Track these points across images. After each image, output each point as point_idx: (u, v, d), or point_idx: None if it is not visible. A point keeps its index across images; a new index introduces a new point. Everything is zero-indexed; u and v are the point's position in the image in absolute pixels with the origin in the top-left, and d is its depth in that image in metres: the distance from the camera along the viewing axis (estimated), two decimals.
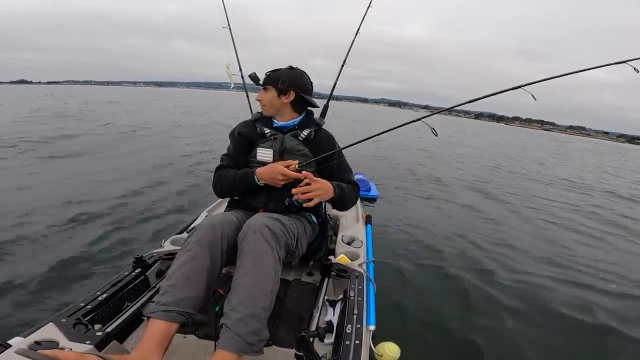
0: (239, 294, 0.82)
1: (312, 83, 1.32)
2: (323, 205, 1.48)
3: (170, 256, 1.07)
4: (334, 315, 1.07)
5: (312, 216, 1.35)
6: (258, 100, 1.30)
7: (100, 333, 0.85)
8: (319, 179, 1.18)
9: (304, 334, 0.84)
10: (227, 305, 0.81)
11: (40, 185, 4.43)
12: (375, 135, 1.23)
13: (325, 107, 2.27)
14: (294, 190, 1.10)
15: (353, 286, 1.11)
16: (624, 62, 1.11)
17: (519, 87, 1.11)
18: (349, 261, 1.28)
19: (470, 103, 1.23)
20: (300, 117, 1.32)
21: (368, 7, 2.40)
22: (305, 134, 1.28)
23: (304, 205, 1.13)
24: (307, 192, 1.10)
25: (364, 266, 1.26)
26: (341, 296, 1.13)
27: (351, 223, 1.76)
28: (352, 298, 1.05)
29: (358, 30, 2.41)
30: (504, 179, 5.35)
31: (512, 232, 3.00)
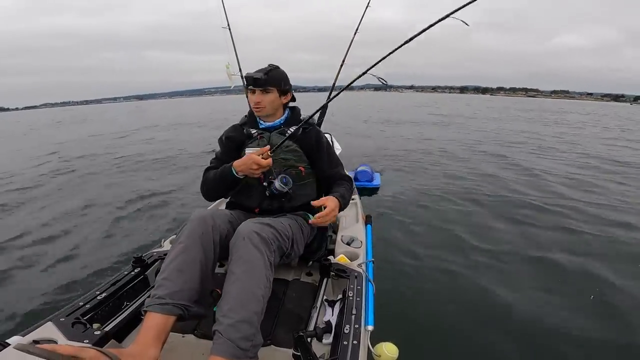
0: (229, 301, 0.81)
1: None
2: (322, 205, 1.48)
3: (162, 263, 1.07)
4: (332, 315, 1.07)
5: (310, 215, 1.35)
6: (257, 102, 1.25)
7: (98, 332, 0.85)
8: (328, 198, 1.15)
9: (301, 334, 0.84)
10: (219, 312, 0.81)
11: (39, 185, 4.46)
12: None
13: (325, 107, 2.27)
14: (313, 222, 1.08)
15: (352, 286, 1.11)
16: (450, 15, 1.12)
17: (450, 15, 1.13)
18: (348, 261, 1.28)
19: (408, 43, 1.19)
20: (285, 115, 1.33)
21: (367, 7, 2.40)
22: (292, 130, 1.27)
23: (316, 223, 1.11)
24: (325, 217, 1.08)
25: (363, 266, 1.26)
26: (340, 296, 1.13)
27: (351, 223, 1.76)
28: (351, 298, 1.05)
29: (357, 29, 2.41)
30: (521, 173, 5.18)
31: (519, 234, 2.98)
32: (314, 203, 1.12)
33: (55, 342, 0.79)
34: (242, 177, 1.17)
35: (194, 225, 0.96)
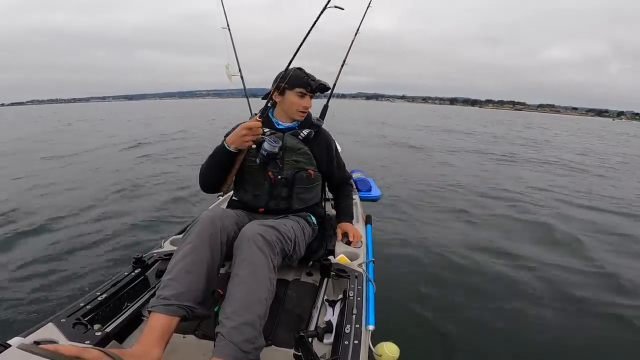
0: (233, 303, 0.81)
1: None
2: (323, 205, 1.49)
3: (170, 256, 1.07)
4: (333, 315, 1.07)
5: (312, 216, 1.36)
6: (308, 107, 1.28)
7: (99, 333, 0.85)
8: (345, 225, 1.45)
9: (302, 334, 0.84)
10: (222, 314, 0.80)
11: (39, 185, 4.44)
12: None
13: (325, 108, 2.27)
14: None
15: (352, 286, 1.11)
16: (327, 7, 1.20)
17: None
18: (349, 261, 1.28)
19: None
20: (302, 118, 1.34)
21: (368, 7, 2.40)
22: (305, 133, 1.30)
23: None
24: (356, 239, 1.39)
25: (364, 266, 1.26)
26: (340, 296, 1.13)
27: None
28: (352, 298, 1.05)
29: (357, 30, 2.41)
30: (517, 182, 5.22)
31: (518, 235, 2.99)
32: (340, 239, 1.41)
33: (56, 343, 0.79)
34: (235, 151, 1.14)
35: (204, 225, 0.95)
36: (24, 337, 0.81)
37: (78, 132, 11.80)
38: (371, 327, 0.96)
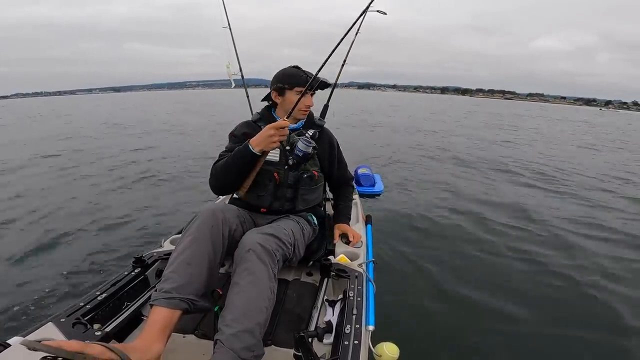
0: (233, 311, 0.81)
1: None
2: (323, 205, 1.49)
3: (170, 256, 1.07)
4: (333, 315, 1.07)
5: (313, 216, 1.36)
6: (310, 105, 1.27)
7: (99, 333, 0.85)
8: (343, 226, 1.46)
9: (302, 334, 0.84)
10: (222, 321, 0.80)
11: (38, 186, 4.45)
12: None
13: (325, 107, 2.27)
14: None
15: (352, 286, 1.11)
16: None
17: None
18: (349, 261, 1.28)
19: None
20: (306, 117, 1.34)
21: (370, 2, 2.39)
22: (310, 133, 1.29)
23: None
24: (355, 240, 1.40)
25: (364, 266, 1.26)
26: (340, 296, 1.13)
27: (351, 223, 1.75)
28: (352, 298, 1.05)
29: (359, 30, 2.40)
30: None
31: (520, 234, 2.98)
32: (337, 239, 1.41)
33: None
34: (259, 153, 1.11)
35: (205, 218, 0.95)
36: (24, 337, 0.81)
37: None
38: (371, 327, 0.96)
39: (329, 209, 1.68)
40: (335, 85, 2.45)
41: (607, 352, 1.63)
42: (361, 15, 1.20)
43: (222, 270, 1.31)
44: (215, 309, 0.87)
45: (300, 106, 1.25)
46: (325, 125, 1.42)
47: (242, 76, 2.41)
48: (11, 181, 4.62)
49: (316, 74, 1.18)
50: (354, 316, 0.97)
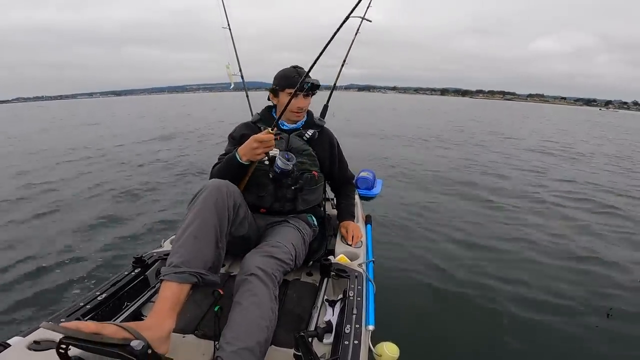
0: (235, 329, 0.82)
1: None
2: (322, 205, 1.49)
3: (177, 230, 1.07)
4: (333, 315, 1.07)
5: (313, 217, 1.36)
6: (303, 107, 1.26)
7: None
8: (346, 223, 1.45)
9: (302, 334, 0.84)
10: (223, 339, 0.81)
11: (37, 186, 4.45)
12: None
13: (325, 107, 2.27)
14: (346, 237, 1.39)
15: (352, 286, 1.11)
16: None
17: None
18: (349, 261, 1.28)
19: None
20: (305, 117, 1.34)
21: (368, 6, 2.40)
22: (310, 134, 1.30)
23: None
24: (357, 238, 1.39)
25: (364, 266, 1.26)
26: (340, 296, 1.12)
27: None
28: (352, 298, 1.05)
29: (358, 30, 2.40)
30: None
31: (522, 231, 2.99)
32: (347, 239, 1.40)
33: (56, 343, 0.79)
34: (247, 163, 1.13)
35: (209, 191, 0.95)
36: (24, 337, 0.81)
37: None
38: (371, 327, 0.96)
39: (329, 209, 1.68)
40: (335, 86, 2.46)
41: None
42: (345, 20, 1.17)
43: (222, 270, 1.30)
44: (216, 309, 0.87)
45: (292, 108, 1.24)
46: (326, 125, 1.42)
47: (242, 76, 2.41)
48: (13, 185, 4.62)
49: (305, 75, 1.17)
50: (354, 316, 0.97)
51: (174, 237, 1.42)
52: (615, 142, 10.98)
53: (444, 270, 2.28)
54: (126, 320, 0.99)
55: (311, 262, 1.31)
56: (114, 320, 0.97)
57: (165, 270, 0.84)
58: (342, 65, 2.40)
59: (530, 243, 2.76)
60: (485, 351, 1.60)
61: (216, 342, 0.86)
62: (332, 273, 1.21)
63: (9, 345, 0.77)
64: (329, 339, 0.97)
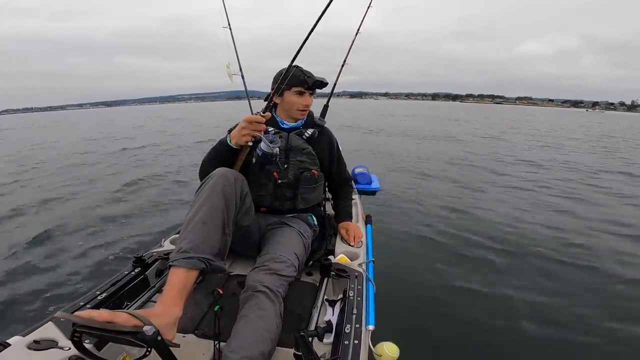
0: (239, 339, 0.82)
1: None
2: (322, 205, 1.49)
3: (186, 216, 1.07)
4: (333, 315, 1.07)
5: (313, 217, 1.36)
6: (308, 104, 1.26)
7: None
8: (345, 224, 1.45)
9: (302, 333, 0.84)
10: (227, 347, 0.81)
11: (37, 186, 4.45)
12: None
13: (325, 107, 2.27)
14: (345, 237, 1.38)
15: (352, 286, 1.11)
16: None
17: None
18: (349, 261, 1.28)
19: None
20: (305, 117, 1.34)
21: (368, 7, 2.40)
22: (310, 133, 1.31)
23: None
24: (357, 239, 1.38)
25: (364, 266, 1.26)
26: (340, 296, 1.13)
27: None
28: (352, 298, 1.05)
29: (358, 30, 2.41)
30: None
31: (523, 232, 2.99)
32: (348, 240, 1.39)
33: (56, 342, 0.79)
34: (235, 147, 1.10)
35: (217, 178, 0.96)
36: (24, 336, 0.81)
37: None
38: (371, 327, 0.96)
39: (329, 208, 1.68)
40: (334, 86, 2.46)
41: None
42: (322, 14, 1.16)
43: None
44: (216, 309, 0.87)
45: (299, 106, 1.25)
46: (326, 125, 1.42)
47: (243, 76, 2.41)
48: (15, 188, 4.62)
49: (289, 65, 1.15)
50: (354, 316, 0.97)
51: (174, 236, 1.42)
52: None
53: (444, 270, 2.28)
54: None
55: (311, 262, 1.32)
56: None
57: (174, 256, 0.85)
58: (343, 65, 2.40)
59: (532, 243, 2.76)
60: (485, 351, 1.60)
61: (216, 342, 0.86)
62: (332, 273, 1.21)
63: (9, 345, 0.77)
64: (329, 338, 0.97)
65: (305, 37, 1.13)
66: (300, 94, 1.24)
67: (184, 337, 0.98)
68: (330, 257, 1.27)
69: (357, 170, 3.97)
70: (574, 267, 2.40)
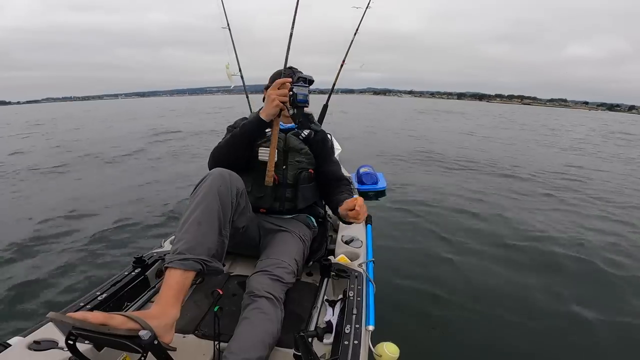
0: (239, 341, 0.83)
1: None
2: (322, 205, 1.49)
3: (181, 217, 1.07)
4: (333, 315, 1.07)
5: (311, 217, 1.36)
6: None
7: None
8: (351, 200, 1.12)
9: (302, 334, 0.84)
10: (227, 349, 0.82)
11: (37, 186, 4.45)
12: None
13: (325, 108, 2.27)
14: (351, 214, 1.06)
15: (352, 286, 1.11)
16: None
17: None
18: (349, 261, 1.28)
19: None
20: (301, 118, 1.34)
21: (367, 7, 2.41)
22: (306, 133, 1.31)
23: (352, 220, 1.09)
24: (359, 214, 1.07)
25: (364, 266, 1.26)
26: (340, 296, 1.13)
27: None
28: (352, 298, 1.05)
29: (357, 30, 2.41)
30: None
31: (523, 231, 2.99)
32: (349, 206, 1.07)
33: (57, 343, 0.79)
34: (265, 119, 1.11)
35: (212, 178, 0.96)
36: (24, 337, 0.81)
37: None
38: (371, 327, 0.96)
39: (329, 209, 1.68)
40: (334, 86, 2.46)
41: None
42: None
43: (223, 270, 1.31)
44: (215, 309, 0.87)
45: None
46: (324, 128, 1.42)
47: (242, 76, 2.42)
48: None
49: (285, 65, 1.18)
50: (354, 316, 0.97)
51: (174, 237, 1.42)
52: None
53: (445, 270, 2.28)
54: None
55: (311, 262, 1.32)
56: None
57: (170, 258, 0.84)
58: (342, 65, 2.40)
59: (534, 242, 2.76)
60: (485, 351, 1.60)
61: (216, 342, 0.86)
62: (332, 273, 1.21)
63: (9, 345, 0.77)
64: (329, 339, 0.97)
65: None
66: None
67: (184, 337, 0.98)
68: (331, 257, 1.27)
69: (362, 170, 3.96)
70: (580, 263, 2.40)
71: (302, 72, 1.26)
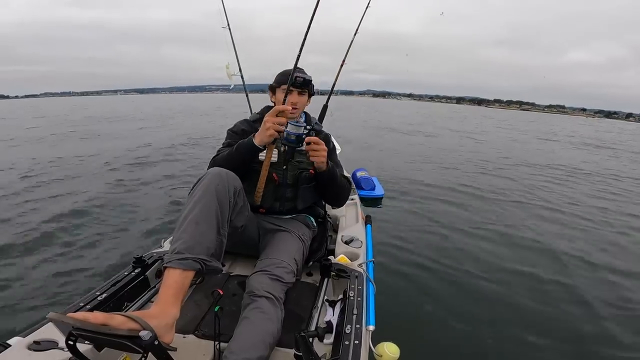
0: (239, 341, 0.83)
1: None
2: (322, 205, 1.49)
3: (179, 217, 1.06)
4: (333, 315, 1.07)
5: (311, 218, 1.36)
6: (295, 103, 1.22)
7: None
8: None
9: (303, 334, 0.84)
10: (227, 349, 0.82)
11: (37, 183, 4.44)
12: None
13: (325, 108, 2.27)
14: (307, 148, 1.07)
15: (353, 286, 1.11)
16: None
17: None
18: (349, 261, 1.28)
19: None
20: (302, 118, 1.34)
21: (367, 8, 2.41)
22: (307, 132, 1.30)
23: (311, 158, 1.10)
24: (317, 149, 1.09)
25: (364, 266, 1.26)
26: (341, 296, 1.13)
27: (351, 223, 1.76)
28: (352, 298, 1.05)
29: (357, 30, 2.41)
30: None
31: (523, 230, 2.99)
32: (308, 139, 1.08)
33: (57, 343, 0.79)
34: (259, 145, 1.10)
35: (210, 177, 0.95)
36: (24, 337, 0.81)
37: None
38: (371, 327, 0.96)
39: (329, 209, 1.68)
40: (333, 86, 2.46)
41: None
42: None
43: (223, 270, 1.31)
44: (216, 309, 0.87)
45: (287, 104, 1.22)
46: (324, 129, 1.42)
47: (242, 76, 2.42)
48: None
49: (294, 68, 1.16)
50: (354, 316, 0.97)
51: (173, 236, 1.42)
52: None
53: (445, 271, 2.28)
54: None
55: (311, 262, 1.32)
56: None
57: (168, 257, 0.84)
58: (342, 65, 2.40)
59: (535, 242, 2.77)
60: (485, 351, 1.60)
61: (216, 342, 0.86)
62: (332, 273, 1.21)
63: (9, 346, 0.77)
64: (329, 339, 0.97)
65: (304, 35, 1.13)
66: (288, 92, 1.22)
67: (184, 337, 0.98)
68: (331, 257, 1.27)
69: (359, 175, 3.89)
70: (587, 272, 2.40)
71: (306, 73, 1.25)
